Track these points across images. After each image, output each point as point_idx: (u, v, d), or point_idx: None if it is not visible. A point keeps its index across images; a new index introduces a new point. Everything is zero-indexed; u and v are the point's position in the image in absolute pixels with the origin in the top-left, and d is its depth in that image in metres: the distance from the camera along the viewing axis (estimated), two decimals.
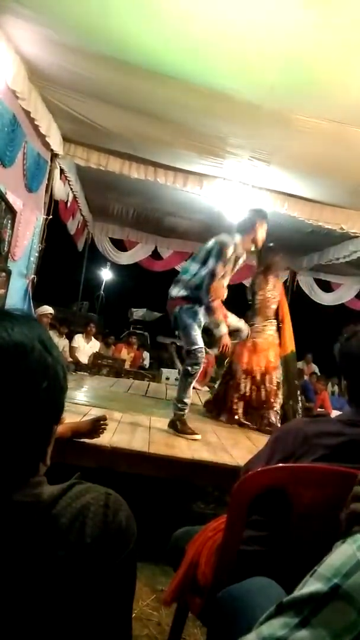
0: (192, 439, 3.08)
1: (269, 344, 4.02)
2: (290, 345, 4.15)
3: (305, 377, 7.75)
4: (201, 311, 3.27)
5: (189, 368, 3.23)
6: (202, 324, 3.33)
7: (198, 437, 3.12)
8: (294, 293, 9.21)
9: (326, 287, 9.21)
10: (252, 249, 3.44)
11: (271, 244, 4.16)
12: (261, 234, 3.37)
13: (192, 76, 3.22)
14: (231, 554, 1.24)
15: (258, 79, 3.07)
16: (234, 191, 5.21)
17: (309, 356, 9.35)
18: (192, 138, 4.33)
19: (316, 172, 4.59)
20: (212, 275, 3.18)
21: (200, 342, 3.21)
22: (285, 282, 9.35)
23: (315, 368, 9.11)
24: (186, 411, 3.25)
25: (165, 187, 5.45)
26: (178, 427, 3.16)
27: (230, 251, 3.23)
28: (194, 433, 3.14)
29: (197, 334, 3.23)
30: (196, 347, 3.19)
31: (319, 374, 8.45)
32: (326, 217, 5.37)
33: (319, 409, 7.01)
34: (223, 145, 4.36)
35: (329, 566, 0.50)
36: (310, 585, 0.50)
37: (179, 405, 3.23)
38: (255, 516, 1.27)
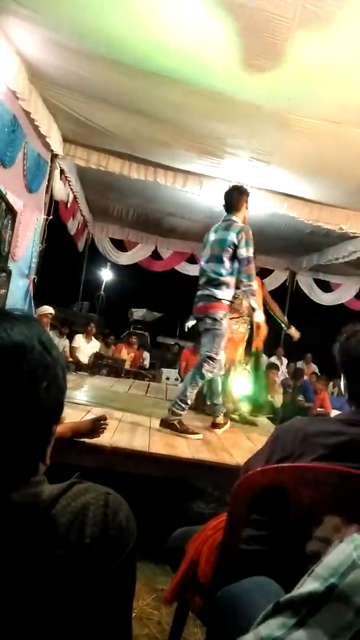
0: (195, 439, 3.07)
1: (238, 340, 4.06)
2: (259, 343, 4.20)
3: (305, 377, 7.74)
4: None
5: (206, 373, 3.20)
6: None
7: (199, 436, 3.12)
8: (293, 293, 9.22)
9: (325, 287, 9.21)
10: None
11: None
12: (248, 211, 3.39)
13: (192, 77, 3.22)
14: (231, 553, 1.24)
15: (257, 79, 3.07)
16: None
17: (308, 356, 9.35)
18: (192, 139, 4.34)
19: (315, 173, 4.60)
20: (252, 261, 3.18)
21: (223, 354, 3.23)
22: (284, 282, 9.37)
23: (314, 368, 9.11)
24: (184, 413, 3.23)
25: (165, 188, 5.46)
26: (178, 427, 3.13)
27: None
28: (194, 432, 3.13)
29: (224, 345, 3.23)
30: (221, 357, 3.21)
31: (318, 373, 8.45)
32: (325, 218, 5.37)
33: (318, 409, 7.01)
34: (222, 145, 4.36)
35: (326, 566, 0.51)
36: (308, 585, 0.50)
37: (182, 405, 3.17)
38: (255, 515, 1.27)
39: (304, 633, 0.46)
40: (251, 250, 3.16)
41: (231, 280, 3.19)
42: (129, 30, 2.84)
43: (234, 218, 3.29)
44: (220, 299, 3.16)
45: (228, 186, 3.62)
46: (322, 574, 0.50)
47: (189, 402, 3.21)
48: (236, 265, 3.17)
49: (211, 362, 3.18)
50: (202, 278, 3.25)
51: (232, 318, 3.89)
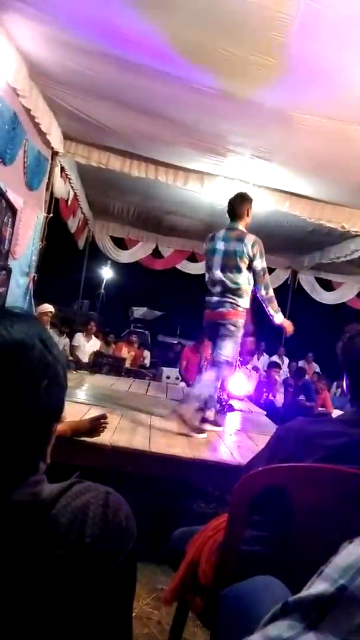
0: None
1: None
2: None
3: (307, 377, 7.74)
4: None
5: (226, 376, 3.41)
6: None
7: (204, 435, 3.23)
8: (295, 292, 9.21)
9: (327, 286, 9.20)
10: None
11: None
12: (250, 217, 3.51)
13: (193, 73, 3.21)
14: (232, 553, 1.23)
15: (259, 76, 3.06)
16: (235, 189, 5.19)
17: (309, 355, 9.34)
18: (193, 136, 4.33)
19: (318, 171, 4.58)
20: (267, 271, 3.38)
21: None
22: (286, 281, 9.37)
23: (316, 367, 9.10)
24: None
25: (166, 186, 5.44)
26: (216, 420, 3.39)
27: None
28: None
29: None
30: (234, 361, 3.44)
31: (320, 373, 8.44)
32: (327, 216, 5.36)
33: (320, 408, 7.00)
34: (224, 143, 4.35)
35: (335, 566, 0.50)
36: (317, 586, 0.49)
37: (216, 404, 3.42)
38: (256, 516, 1.26)
39: (314, 636, 0.45)
40: (264, 261, 3.35)
41: (249, 289, 3.35)
42: (134, 23, 2.82)
43: (241, 227, 3.40)
44: (243, 308, 3.34)
45: (232, 190, 3.73)
46: (331, 574, 0.49)
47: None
48: (251, 275, 3.33)
49: (230, 366, 3.35)
50: (218, 287, 3.35)
51: None
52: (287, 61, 2.83)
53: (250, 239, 3.29)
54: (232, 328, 3.30)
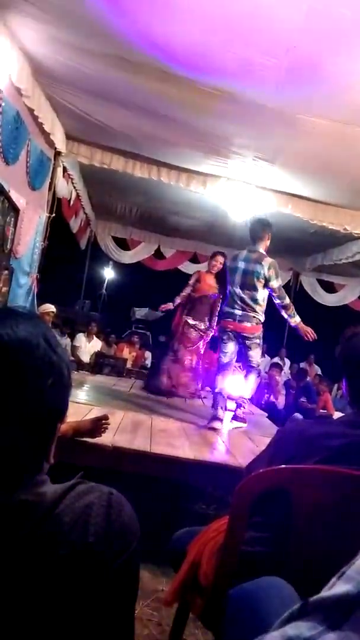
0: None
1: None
2: None
3: (308, 379, 7.73)
4: None
5: (254, 379, 4.04)
6: None
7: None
8: (296, 294, 9.19)
9: (329, 288, 9.18)
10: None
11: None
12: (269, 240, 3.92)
13: (197, 75, 3.21)
14: (233, 554, 1.23)
15: (263, 77, 3.06)
16: (237, 191, 5.20)
17: (311, 357, 9.33)
18: (197, 137, 4.33)
19: (320, 173, 4.58)
20: (282, 287, 3.84)
21: None
22: (288, 283, 9.35)
23: (317, 369, 9.08)
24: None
25: (168, 187, 5.44)
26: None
27: None
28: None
29: None
30: None
31: (321, 375, 8.43)
32: (330, 218, 5.35)
33: (321, 410, 6.99)
34: (227, 144, 4.35)
35: (358, 568, 0.49)
36: (339, 587, 0.49)
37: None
38: (258, 517, 1.26)
39: (336, 636, 0.44)
40: (280, 279, 3.84)
41: (264, 304, 3.82)
42: (138, 24, 2.82)
43: (261, 250, 3.81)
44: (262, 320, 3.84)
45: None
46: (355, 576, 0.49)
47: None
48: (266, 292, 3.76)
49: (257, 370, 4.04)
50: (239, 301, 3.77)
51: None
52: (291, 63, 2.83)
53: (267, 262, 3.71)
54: (258, 340, 3.85)
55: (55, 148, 4.85)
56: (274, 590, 1.06)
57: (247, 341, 3.80)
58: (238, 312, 3.75)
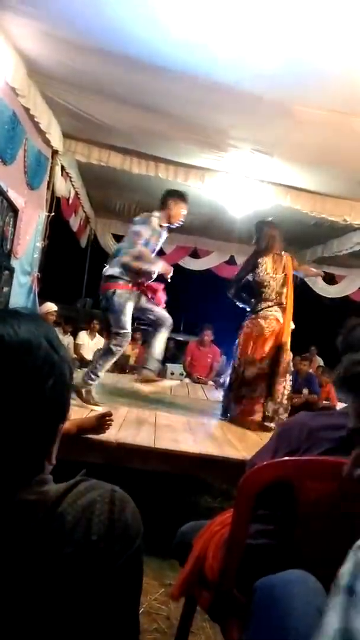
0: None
1: (272, 330, 3.79)
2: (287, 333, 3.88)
3: (310, 370, 7.72)
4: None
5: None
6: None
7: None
8: (297, 286, 9.16)
9: (330, 279, 9.15)
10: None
11: (270, 218, 4.13)
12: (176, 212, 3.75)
13: (191, 67, 3.19)
14: (238, 548, 1.24)
15: (258, 69, 3.04)
16: (236, 184, 5.18)
17: (313, 349, 9.31)
18: (193, 131, 4.30)
19: (319, 164, 4.55)
20: None
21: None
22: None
23: (320, 361, 9.07)
24: (95, 383, 3.49)
25: (167, 182, 5.42)
26: (83, 395, 3.37)
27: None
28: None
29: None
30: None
31: (324, 366, 8.41)
32: (329, 209, 5.33)
33: (324, 402, 7.00)
34: (224, 137, 4.32)
35: None
36: None
37: (92, 376, 3.46)
38: (262, 510, 1.26)
39: None
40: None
41: None
42: (131, 18, 2.80)
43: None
44: None
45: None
46: None
47: (100, 375, 3.59)
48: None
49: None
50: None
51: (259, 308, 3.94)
52: (286, 52, 2.82)
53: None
54: None
55: (53, 147, 4.84)
56: (301, 584, 1.06)
57: None
58: None
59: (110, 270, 3.53)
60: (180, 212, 3.79)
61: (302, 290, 9.20)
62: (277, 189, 5.22)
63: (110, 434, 2.52)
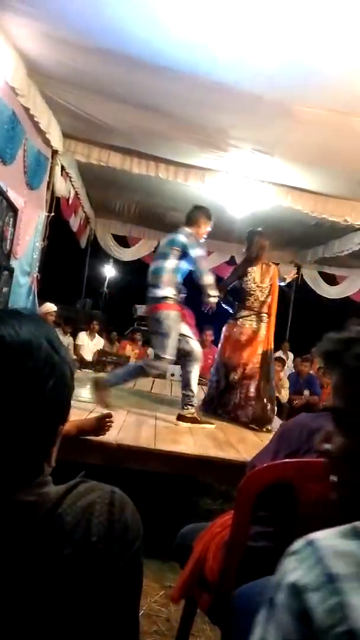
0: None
1: (249, 338, 3.95)
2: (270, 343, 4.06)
3: (311, 371, 7.72)
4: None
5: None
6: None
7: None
8: (298, 287, 9.17)
9: (331, 280, 9.15)
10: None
11: (259, 229, 4.16)
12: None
13: (191, 67, 3.19)
14: (238, 550, 1.23)
15: (258, 69, 3.04)
16: (236, 184, 5.18)
17: (314, 350, 9.31)
18: (193, 131, 4.30)
19: (319, 164, 4.55)
20: None
21: None
22: None
23: (320, 362, 9.06)
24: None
25: (167, 182, 5.42)
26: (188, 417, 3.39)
27: None
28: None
29: None
30: None
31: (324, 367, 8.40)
32: (330, 209, 5.32)
33: (325, 403, 6.99)
34: (224, 137, 4.32)
35: None
36: None
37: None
38: (262, 512, 1.26)
39: None
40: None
41: None
42: (131, 18, 2.80)
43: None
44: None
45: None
46: None
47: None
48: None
49: None
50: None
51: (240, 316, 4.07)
52: (286, 52, 2.81)
53: None
54: None
55: (52, 147, 4.84)
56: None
57: None
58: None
59: (162, 291, 3.42)
60: (207, 230, 3.87)
61: (302, 291, 9.23)
62: (277, 189, 5.21)
63: (110, 435, 2.51)
